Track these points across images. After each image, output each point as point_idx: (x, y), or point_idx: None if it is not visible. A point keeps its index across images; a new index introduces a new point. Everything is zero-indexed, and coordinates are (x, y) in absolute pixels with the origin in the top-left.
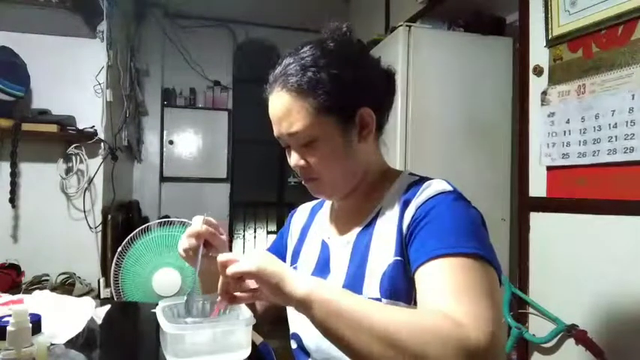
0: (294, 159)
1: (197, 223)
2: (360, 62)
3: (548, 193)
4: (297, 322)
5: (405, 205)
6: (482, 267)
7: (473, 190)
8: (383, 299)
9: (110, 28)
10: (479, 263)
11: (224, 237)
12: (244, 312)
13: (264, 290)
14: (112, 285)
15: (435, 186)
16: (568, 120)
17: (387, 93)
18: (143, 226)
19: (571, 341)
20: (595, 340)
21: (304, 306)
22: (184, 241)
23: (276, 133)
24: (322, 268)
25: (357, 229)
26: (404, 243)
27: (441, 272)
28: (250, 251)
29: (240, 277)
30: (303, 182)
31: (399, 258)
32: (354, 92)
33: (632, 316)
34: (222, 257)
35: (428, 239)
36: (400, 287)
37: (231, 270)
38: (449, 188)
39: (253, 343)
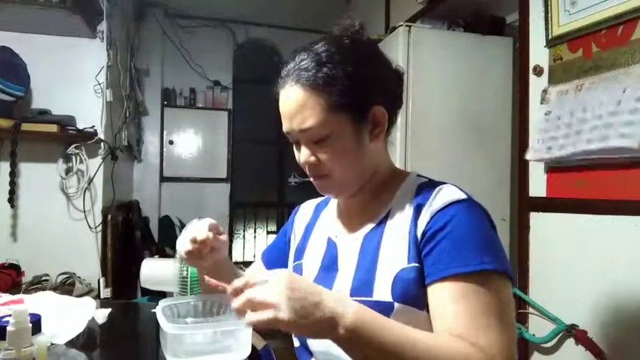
0: (304, 155)
1: (203, 230)
2: (375, 60)
3: (548, 193)
4: None
5: (418, 210)
6: (500, 284)
7: (473, 189)
8: (395, 303)
9: (110, 28)
10: (494, 280)
11: (224, 237)
12: None
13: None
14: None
15: (448, 193)
16: (559, 117)
17: (398, 92)
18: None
19: (571, 341)
20: (595, 340)
21: (344, 346)
22: (187, 245)
23: (286, 128)
24: (329, 266)
25: (366, 229)
26: (419, 250)
27: (459, 295)
28: (279, 283)
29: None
30: (311, 179)
31: (415, 264)
32: (369, 90)
33: (632, 316)
34: (254, 296)
35: (444, 254)
36: (414, 293)
37: (263, 318)
38: (463, 196)
39: (255, 347)
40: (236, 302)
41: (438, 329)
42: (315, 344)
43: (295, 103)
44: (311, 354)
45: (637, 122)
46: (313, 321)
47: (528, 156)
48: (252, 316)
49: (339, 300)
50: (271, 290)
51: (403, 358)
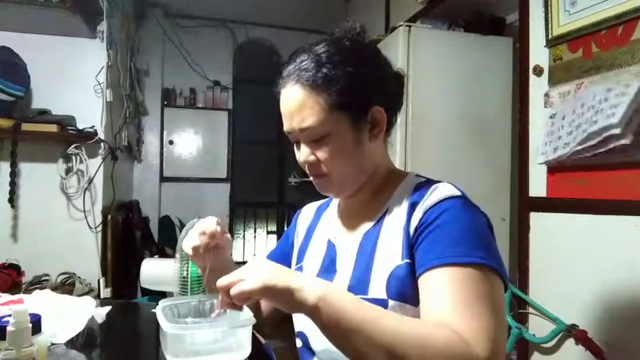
0: (304, 154)
1: (212, 224)
2: (374, 62)
3: (548, 193)
4: (303, 322)
5: (413, 207)
6: (488, 278)
7: (473, 190)
8: (390, 300)
9: (110, 28)
10: (485, 274)
11: (228, 235)
12: (244, 312)
13: (271, 304)
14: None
15: (443, 190)
16: (564, 117)
17: (398, 94)
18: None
19: (571, 341)
20: (595, 340)
21: (313, 316)
22: (195, 239)
23: (286, 127)
24: (328, 267)
25: (364, 229)
26: (411, 245)
27: (447, 282)
28: (251, 264)
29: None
30: (311, 179)
31: (407, 260)
32: (368, 90)
33: (632, 316)
34: (222, 282)
35: (435, 245)
36: (407, 290)
37: (235, 291)
38: (457, 193)
39: (258, 343)
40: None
41: (423, 316)
42: (317, 343)
43: (295, 102)
44: (313, 353)
45: (622, 103)
46: (282, 287)
47: (540, 160)
48: (232, 293)
49: (307, 278)
50: (242, 271)
51: (374, 336)
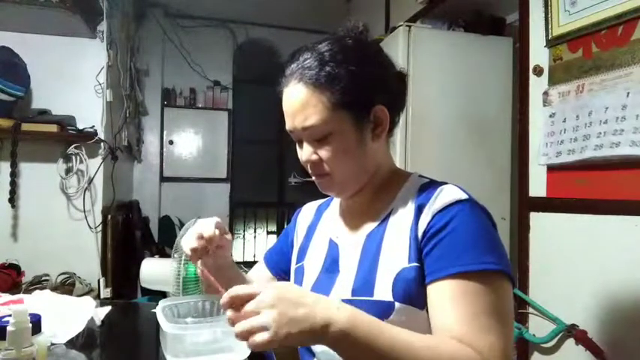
0: (306, 153)
1: (210, 227)
2: (377, 61)
3: (548, 193)
4: None
5: (420, 210)
6: (499, 285)
7: (473, 189)
8: (396, 303)
9: (110, 28)
10: (497, 281)
11: (229, 236)
12: None
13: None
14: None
15: (450, 193)
16: (565, 119)
17: (401, 93)
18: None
19: (571, 341)
20: (595, 340)
21: (335, 349)
22: (193, 242)
23: (289, 126)
24: (330, 267)
25: (368, 229)
26: (420, 250)
27: (459, 295)
28: (262, 289)
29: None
30: (313, 178)
31: (415, 264)
32: (371, 89)
33: (632, 316)
34: (241, 325)
35: (446, 253)
36: (414, 293)
37: (257, 342)
38: (464, 196)
39: None
40: (235, 328)
41: (437, 329)
42: (317, 345)
43: (298, 101)
44: (313, 354)
45: None
46: (305, 331)
47: (541, 161)
48: (249, 343)
49: (331, 307)
50: (260, 305)
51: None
